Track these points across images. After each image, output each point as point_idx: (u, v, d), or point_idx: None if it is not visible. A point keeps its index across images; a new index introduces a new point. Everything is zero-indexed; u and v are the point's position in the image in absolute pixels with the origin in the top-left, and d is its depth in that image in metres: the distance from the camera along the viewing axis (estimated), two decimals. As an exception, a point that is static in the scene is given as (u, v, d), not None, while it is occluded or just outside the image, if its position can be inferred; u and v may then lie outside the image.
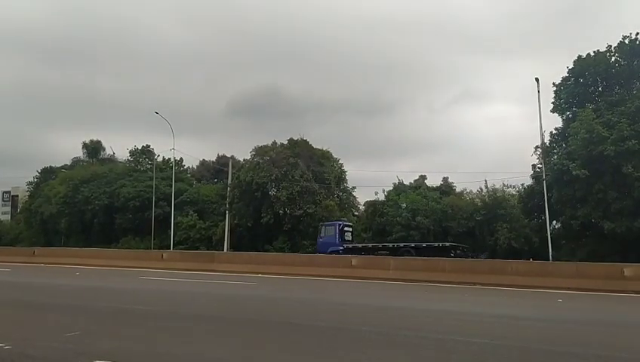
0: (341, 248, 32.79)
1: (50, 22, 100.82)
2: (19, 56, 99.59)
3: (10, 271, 21.33)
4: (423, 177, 43.89)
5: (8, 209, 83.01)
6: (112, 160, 61.71)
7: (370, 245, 33.38)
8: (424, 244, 31.94)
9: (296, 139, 45.02)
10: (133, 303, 11.94)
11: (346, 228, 35.88)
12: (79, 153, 64.60)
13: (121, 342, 7.16)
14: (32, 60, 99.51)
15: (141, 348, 6.77)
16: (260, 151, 44.83)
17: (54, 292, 14.46)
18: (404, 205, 38.22)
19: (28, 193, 61.89)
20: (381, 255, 28.67)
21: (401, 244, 32.43)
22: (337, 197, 45.41)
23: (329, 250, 32.24)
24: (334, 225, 35.57)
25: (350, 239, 35.48)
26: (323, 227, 35.79)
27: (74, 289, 15.32)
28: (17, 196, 61.94)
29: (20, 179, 67.36)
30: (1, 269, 21.91)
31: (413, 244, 32.26)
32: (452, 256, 27.57)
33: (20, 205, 57.88)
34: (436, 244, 31.99)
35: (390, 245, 32.63)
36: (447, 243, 32.20)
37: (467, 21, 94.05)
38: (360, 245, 33.63)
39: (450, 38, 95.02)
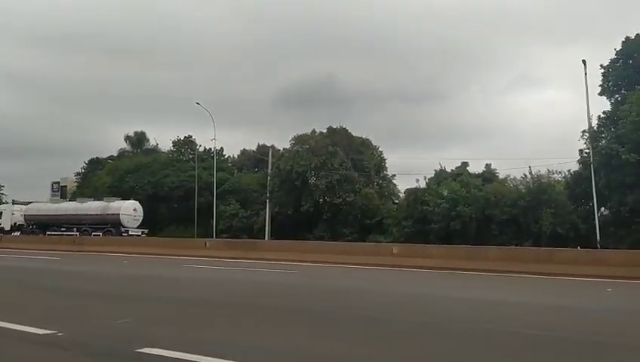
0: None
1: (100, 16, 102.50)
2: (75, 50, 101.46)
3: (60, 260, 22.12)
4: (465, 164, 43.13)
5: (58, 199, 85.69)
6: (155, 150, 62.87)
7: None
8: None
9: (335, 127, 44.93)
10: (180, 291, 12.23)
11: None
12: (125, 144, 66.03)
13: (170, 329, 7.30)
14: (87, 55, 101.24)
15: (191, 336, 6.88)
16: (299, 139, 44.98)
17: (104, 280, 14.91)
18: (446, 193, 37.48)
19: (76, 183, 63.62)
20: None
21: None
22: (377, 185, 45.20)
23: None
24: None
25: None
26: None
27: (122, 278, 15.77)
28: (66, 186, 63.62)
29: (68, 170, 69.32)
30: (51, 258, 22.73)
31: None
32: None
33: (68, 195, 59.50)
34: None
35: None
36: None
37: (519, 6, 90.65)
38: None
39: (503, 23, 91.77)
